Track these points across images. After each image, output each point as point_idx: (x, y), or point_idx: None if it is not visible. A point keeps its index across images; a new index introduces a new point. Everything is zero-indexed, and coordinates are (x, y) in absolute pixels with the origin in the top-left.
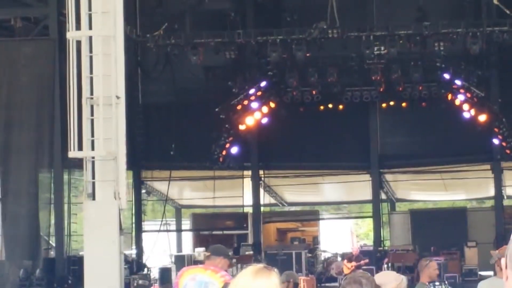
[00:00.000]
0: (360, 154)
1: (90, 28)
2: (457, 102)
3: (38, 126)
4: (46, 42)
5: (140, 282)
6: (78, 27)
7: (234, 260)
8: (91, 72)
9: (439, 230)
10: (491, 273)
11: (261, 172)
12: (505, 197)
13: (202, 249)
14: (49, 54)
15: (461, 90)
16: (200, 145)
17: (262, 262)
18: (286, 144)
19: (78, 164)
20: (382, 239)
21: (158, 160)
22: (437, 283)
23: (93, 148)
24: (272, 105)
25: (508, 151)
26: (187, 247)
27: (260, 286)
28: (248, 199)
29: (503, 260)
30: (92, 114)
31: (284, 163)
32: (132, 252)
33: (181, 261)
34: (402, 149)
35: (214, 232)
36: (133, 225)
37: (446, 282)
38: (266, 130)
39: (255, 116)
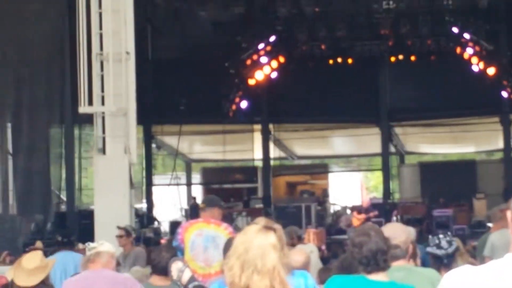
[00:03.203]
0: (370, 107)
1: None
2: (466, 55)
3: (48, 82)
4: None
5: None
6: None
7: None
8: (100, 28)
9: (448, 183)
10: None
11: (270, 125)
12: None
13: None
14: (58, 10)
15: (470, 44)
16: (210, 100)
17: (272, 215)
18: (295, 98)
19: (89, 119)
20: (391, 191)
21: (168, 114)
22: (449, 233)
23: (103, 104)
24: (282, 59)
25: None
26: (197, 201)
27: (258, 244)
28: (258, 153)
29: (509, 213)
30: (102, 70)
31: (293, 117)
32: (143, 205)
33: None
34: (411, 102)
35: (224, 186)
36: (144, 179)
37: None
38: (276, 85)
39: (265, 70)
